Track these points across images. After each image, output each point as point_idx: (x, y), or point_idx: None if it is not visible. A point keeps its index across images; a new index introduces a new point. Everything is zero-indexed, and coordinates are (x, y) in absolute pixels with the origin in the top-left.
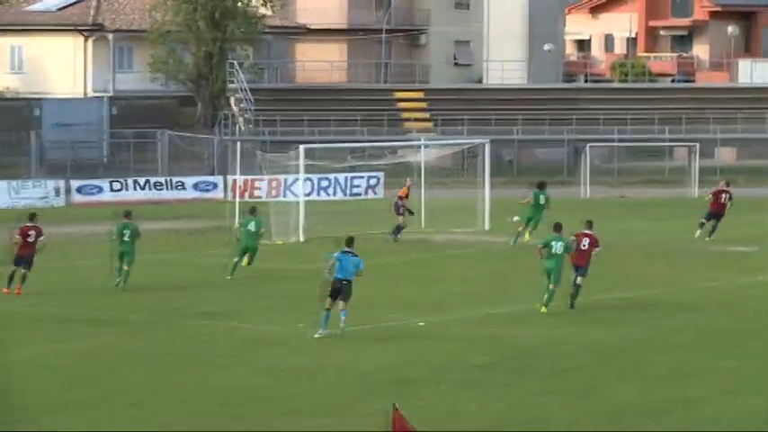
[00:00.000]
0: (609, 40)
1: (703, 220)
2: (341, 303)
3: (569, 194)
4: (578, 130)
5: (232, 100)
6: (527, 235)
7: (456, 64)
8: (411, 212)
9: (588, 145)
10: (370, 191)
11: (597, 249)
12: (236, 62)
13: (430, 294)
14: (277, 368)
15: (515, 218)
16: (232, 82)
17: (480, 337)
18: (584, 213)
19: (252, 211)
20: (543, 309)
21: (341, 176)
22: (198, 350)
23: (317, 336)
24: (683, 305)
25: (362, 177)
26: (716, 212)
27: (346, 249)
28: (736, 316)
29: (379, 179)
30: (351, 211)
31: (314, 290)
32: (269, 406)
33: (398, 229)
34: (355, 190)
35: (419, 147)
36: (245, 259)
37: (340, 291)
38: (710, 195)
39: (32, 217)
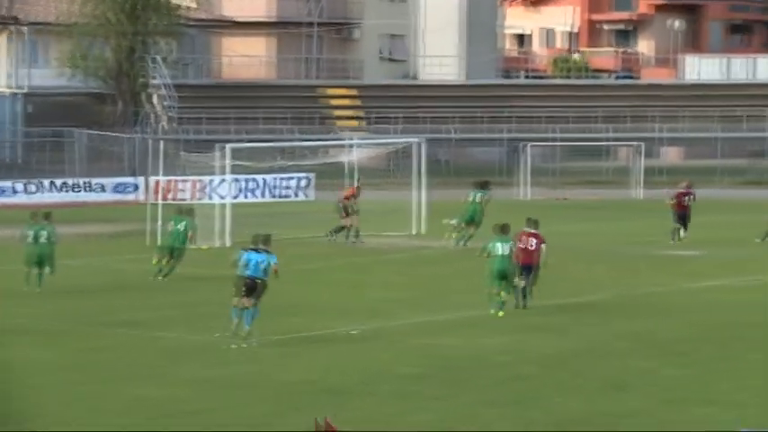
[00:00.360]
0: (549, 35)
1: (677, 226)
2: (251, 302)
3: (508, 196)
4: (517, 129)
5: (154, 97)
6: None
7: (390, 59)
8: (352, 211)
9: (527, 144)
10: (300, 192)
11: (543, 247)
12: (158, 57)
13: (362, 301)
14: (201, 379)
15: (452, 220)
16: (154, 78)
17: (414, 346)
18: (523, 215)
19: (188, 211)
20: (500, 313)
21: (269, 178)
22: (116, 361)
23: (235, 346)
24: (625, 311)
25: (292, 178)
26: (682, 215)
27: (260, 246)
28: (679, 323)
29: (309, 180)
30: (280, 214)
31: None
32: (192, 420)
33: (340, 229)
34: (284, 192)
35: (351, 146)
36: (164, 261)
37: (250, 289)
38: (674, 198)
39: None
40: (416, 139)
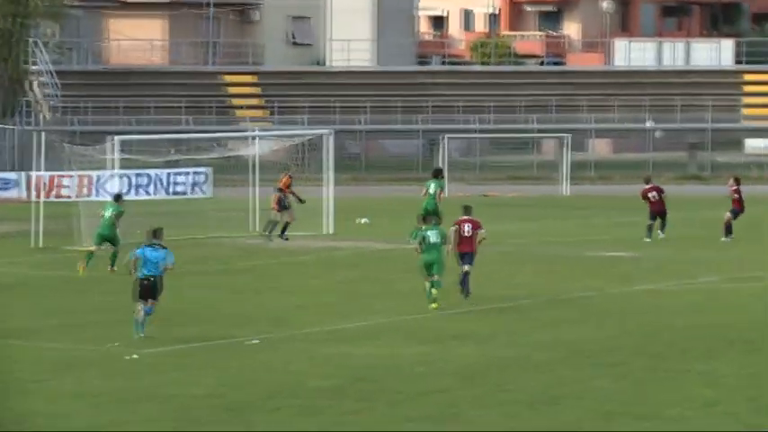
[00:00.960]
0: (468, 17)
1: (649, 222)
2: (150, 302)
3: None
4: (434, 120)
5: (34, 84)
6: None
7: (294, 43)
8: (302, 200)
9: (445, 136)
10: (196, 189)
11: (482, 231)
12: (39, 41)
13: (266, 307)
14: (89, 394)
15: (364, 219)
16: (34, 63)
17: (325, 357)
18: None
19: (116, 198)
20: (434, 305)
21: (162, 173)
22: None
23: (135, 356)
24: (553, 318)
25: (187, 174)
26: (656, 211)
27: (153, 242)
28: (612, 330)
29: (206, 175)
30: (175, 213)
31: (129, 303)
32: None
33: (274, 226)
34: (179, 188)
35: (252, 138)
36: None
37: (149, 289)
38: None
39: None
40: (325, 131)
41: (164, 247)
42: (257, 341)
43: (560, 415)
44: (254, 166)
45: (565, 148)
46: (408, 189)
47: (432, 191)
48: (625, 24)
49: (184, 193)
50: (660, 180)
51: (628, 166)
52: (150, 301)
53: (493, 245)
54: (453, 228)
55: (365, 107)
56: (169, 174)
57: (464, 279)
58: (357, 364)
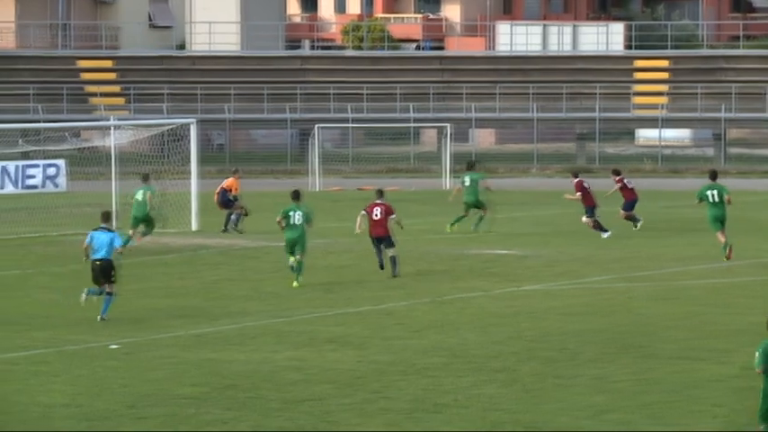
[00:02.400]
0: None
1: (586, 219)
2: (107, 286)
3: (298, 186)
4: (305, 108)
5: None
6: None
7: (152, 26)
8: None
9: (317, 126)
10: (48, 182)
11: (393, 217)
12: None
13: (124, 310)
14: None
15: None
16: None
17: (190, 363)
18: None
19: (145, 178)
20: (294, 283)
21: (10, 165)
22: None
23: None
24: (435, 322)
25: (38, 166)
26: (590, 205)
27: (102, 225)
28: (499, 334)
29: (58, 168)
30: (26, 208)
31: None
32: None
33: (237, 216)
34: (30, 182)
35: (108, 128)
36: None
37: (102, 271)
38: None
39: None
40: (188, 120)
41: (111, 231)
42: (117, 346)
43: (444, 424)
44: (109, 157)
45: (446, 139)
46: (278, 183)
47: (468, 183)
48: (508, 7)
49: (36, 187)
50: (547, 173)
51: (512, 158)
52: (107, 285)
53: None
54: (362, 213)
55: (230, 95)
56: (18, 166)
57: (392, 262)
58: (226, 370)
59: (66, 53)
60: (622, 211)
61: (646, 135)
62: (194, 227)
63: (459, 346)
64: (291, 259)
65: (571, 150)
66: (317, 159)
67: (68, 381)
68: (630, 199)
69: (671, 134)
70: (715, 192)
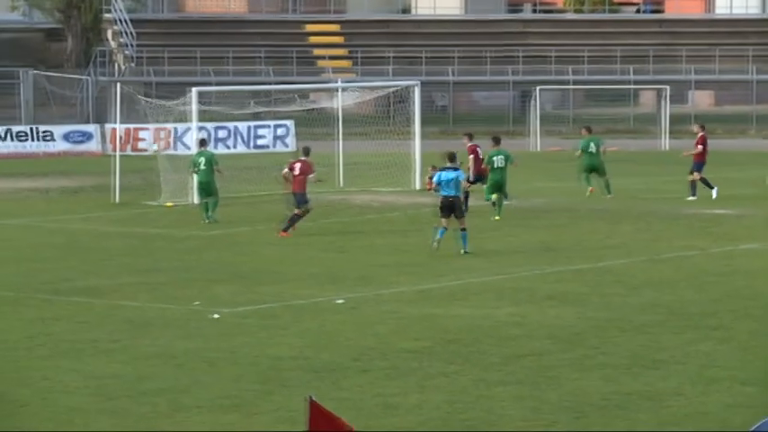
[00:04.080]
0: None
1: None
2: (455, 221)
3: (516, 147)
4: (526, 71)
5: (109, 33)
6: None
7: None
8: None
9: (538, 88)
10: (278, 142)
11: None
12: None
13: (350, 266)
14: (167, 354)
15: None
16: (108, 11)
17: (413, 317)
18: (533, 169)
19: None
20: (496, 217)
21: (242, 125)
22: (71, 333)
23: (215, 316)
24: (652, 279)
25: (268, 126)
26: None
27: (448, 165)
28: (715, 292)
29: (288, 128)
30: (256, 167)
31: (208, 261)
32: (158, 400)
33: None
34: (260, 141)
35: (335, 90)
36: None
37: (451, 207)
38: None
39: None
40: (412, 82)
41: (457, 169)
42: (342, 301)
43: (661, 380)
44: (336, 118)
45: (664, 101)
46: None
47: (593, 149)
48: None
49: (267, 147)
50: (765, 134)
51: (730, 119)
52: (459, 221)
53: (587, 202)
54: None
55: (453, 57)
56: (249, 127)
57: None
58: (447, 325)
59: (296, 17)
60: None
61: None
62: (417, 186)
63: (675, 304)
64: (494, 197)
65: None
66: (537, 121)
67: (296, 334)
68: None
69: None
70: None
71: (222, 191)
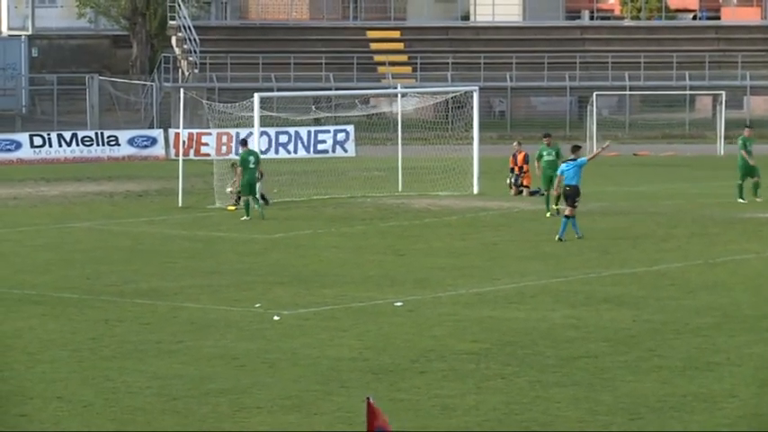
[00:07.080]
0: None
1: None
2: (568, 210)
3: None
4: (583, 77)
5: (173, 40)
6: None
7: None
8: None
9: (595, 93)
10: (338, 147)
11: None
12: None
13: (409, 269)
14: (229, 355)
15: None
16: (173, 18)
17: (470, 320)
18: (590, 174)
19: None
20: (547, 214)
21: (303, 130)
22: (135, 334)
23: (276, 318)
24: (707, 282)
25: (329, 132)
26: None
27: (570, 157)
28: (766, 295)
29: (348, 134)
30: (316, 172)
31: (269, 264)
32: (220, 400)
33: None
34: (321, 146)
35: (395, 95)
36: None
37: (568, 196)
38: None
39: None
40: (471, 88)
41: (574, 159)
42: (401, 304)
43: (716, 382)
44: (395, 123)
45: (720, 106)
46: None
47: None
48: None
49: (326, 152)
50: None
51: None
52: (568, 210)
53: (645, 206)
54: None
55: (511, 63)
56: (310, 132)
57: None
58: (504, 327)
59: (357, 24)
60: None
61: None
62: (476, 190)
63: (731, 306)
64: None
65: None
66: (594, 126)
67: (356, 335)
68: None
69: None
70: None
71: (283, 194)
